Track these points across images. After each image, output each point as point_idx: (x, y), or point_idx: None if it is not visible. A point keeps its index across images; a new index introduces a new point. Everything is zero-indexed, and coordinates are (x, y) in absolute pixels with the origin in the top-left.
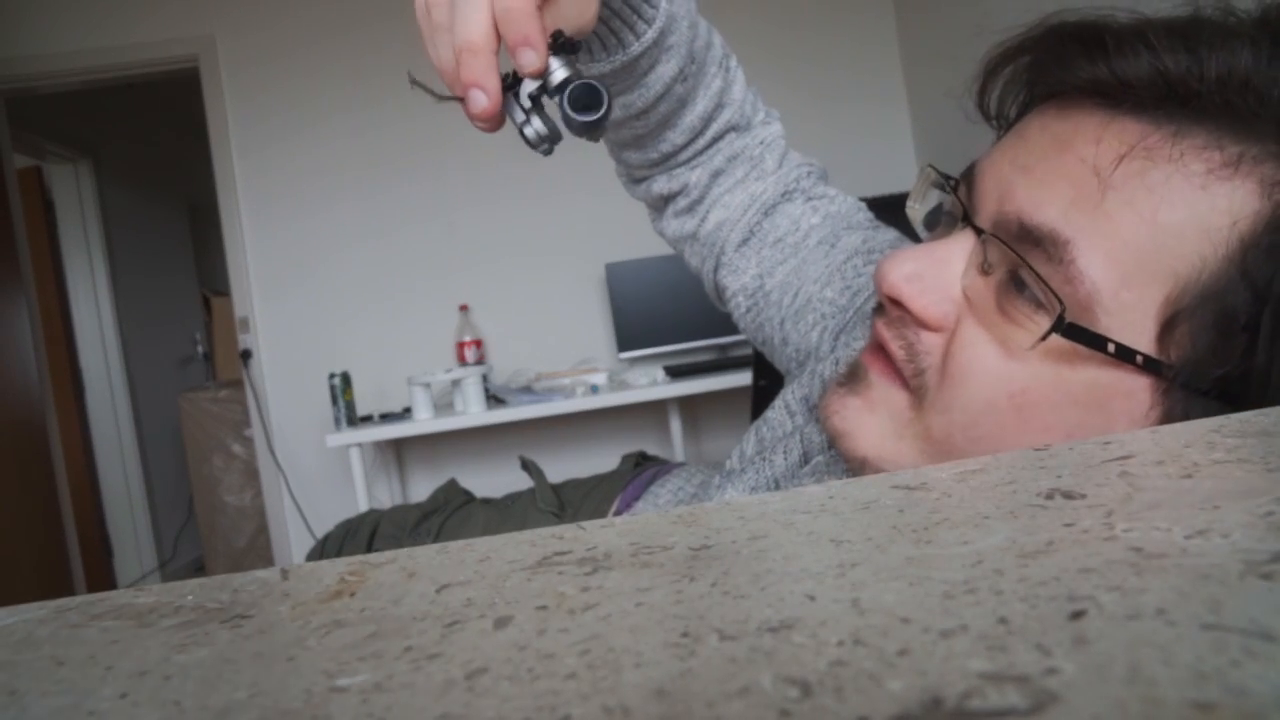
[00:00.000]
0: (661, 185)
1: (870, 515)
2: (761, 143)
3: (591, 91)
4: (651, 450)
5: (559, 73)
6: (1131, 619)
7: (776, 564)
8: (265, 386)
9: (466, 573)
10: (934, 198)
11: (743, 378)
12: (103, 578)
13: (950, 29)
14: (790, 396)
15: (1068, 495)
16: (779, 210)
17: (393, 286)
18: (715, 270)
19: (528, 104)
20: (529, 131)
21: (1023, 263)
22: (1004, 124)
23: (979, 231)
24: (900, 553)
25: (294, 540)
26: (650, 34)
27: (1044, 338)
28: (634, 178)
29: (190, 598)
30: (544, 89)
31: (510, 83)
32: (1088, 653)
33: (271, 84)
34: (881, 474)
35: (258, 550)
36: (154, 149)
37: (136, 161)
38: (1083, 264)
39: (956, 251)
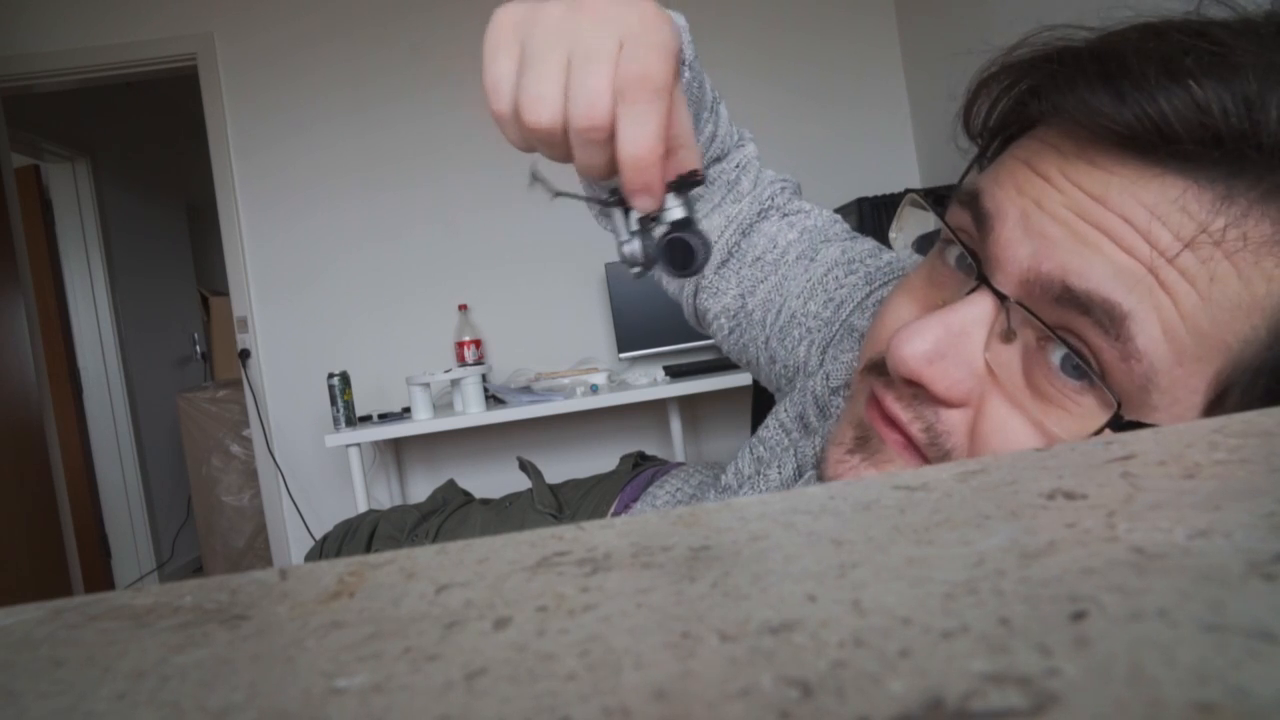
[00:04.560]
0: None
1: (871, 516)
2: (737, 165)
3: (689, 247)
4: (651, 450)
5: (674, 211)
6: (1133, 620)
7: (777, 564)
8: (264, 386)
9: (466, 573)
10: (916, 221)
11: (743, 378)
12: (101, 578)
13: (952, 31)
14: (784, 414)
15: (1069, 495)
16: (756, 229)
17: (392, 286)
18: (695, 295)
19: (635, 226)
20: (626, 250)
21: (1075, 344)
22: (994, 139)
23: (1002, 297)
24: (901, 553)
25: (293, 541)
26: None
27: (1097, 433)
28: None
29: (188, 598)
30: (655, 219)
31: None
32: (1089, 653)
33: (270, 83)
34: (882, 474)
35: (256, 551)
36: (152, 148)
37: (135, 161)
38: (1142, 342)
39: (975, 318)
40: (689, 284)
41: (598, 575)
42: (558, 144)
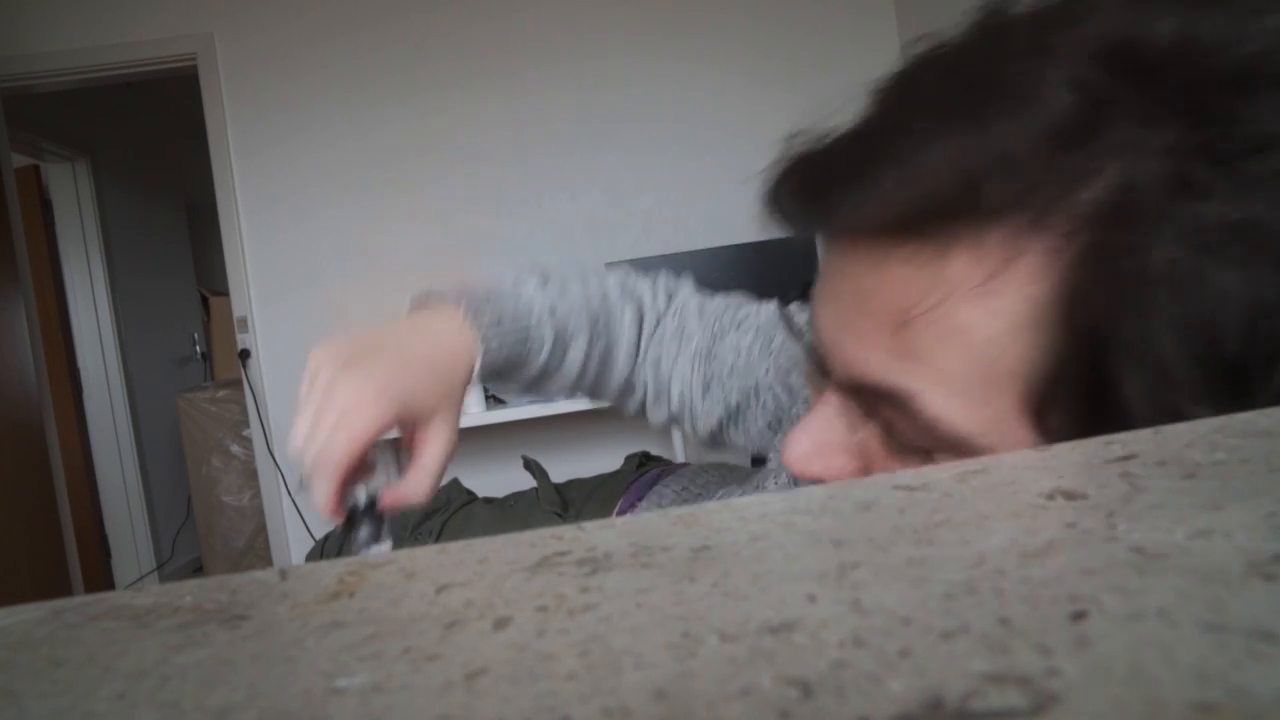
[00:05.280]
0: (629, 403)
1: (871, 516)
2: (676, 314)
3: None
4: (654, 451)
5: (364, 518)
6: (1133, 620)
7: (777, 564)
8: (264, 386)
9: (466, 573)
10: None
11: None
12: (101, 578)
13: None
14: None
15: (1069, 495)
16: (718, 350)
17: (392, 286)
18: (695, 426)
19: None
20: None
21: (891, 423)
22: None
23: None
24: (901, 553)
25: (292, 541)
26: (543, 355)
27: None
28: (612, 405)
29: (188, 598)
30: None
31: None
32: (1089, 653)
33: (270, 83)
34: (882, 474)
35: (256, 551)
36: (152, 148)
37: (135, 161)
38: (934, 411)
39: (835, 410)
40: (688, 421)
41: (598, 575)
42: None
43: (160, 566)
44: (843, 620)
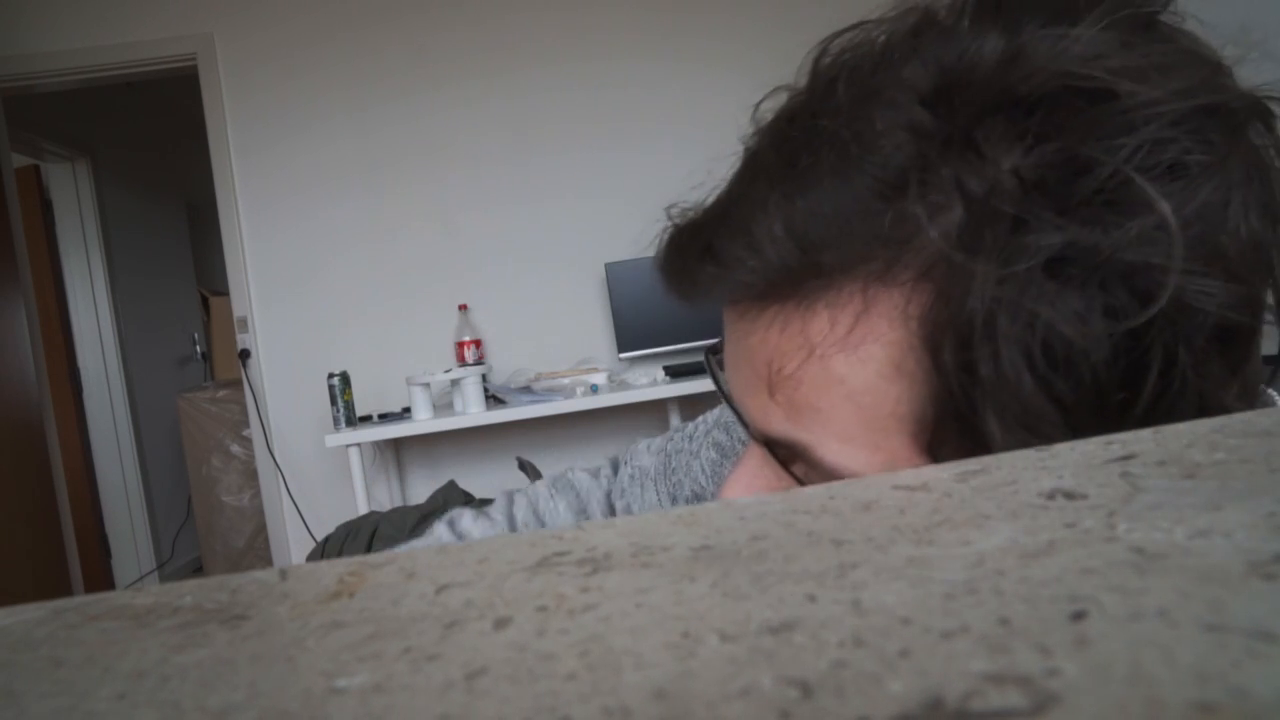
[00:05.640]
0: None
1: (871, 516)
2: (628, 464)
3: None
4: None
5: None
6: (1133, 620)
7: (777, 564)
8: (264, 386)
9: (466, 573)
10: None
11: None
12: (101, 578)
13: None
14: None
15: (1069, 495)
16: (674, 464)
17: (392, 286)
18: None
19: None
20: None
21: (805, 474)
22: None
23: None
24: (901, 553)
25: (292, 541)
26: None
27: None
28: None
29: (188, 598)
30: None
31: None
32: (1089, 653)
33: (270, 83)
34: (882, 474)
35: (256, 551)
36: (152, 148)
37: (135, 161)
38: (832, 460)
39: (757, 465)
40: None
41: (598, 575)
42: None
43: (160, 566)
44: (843, 620)
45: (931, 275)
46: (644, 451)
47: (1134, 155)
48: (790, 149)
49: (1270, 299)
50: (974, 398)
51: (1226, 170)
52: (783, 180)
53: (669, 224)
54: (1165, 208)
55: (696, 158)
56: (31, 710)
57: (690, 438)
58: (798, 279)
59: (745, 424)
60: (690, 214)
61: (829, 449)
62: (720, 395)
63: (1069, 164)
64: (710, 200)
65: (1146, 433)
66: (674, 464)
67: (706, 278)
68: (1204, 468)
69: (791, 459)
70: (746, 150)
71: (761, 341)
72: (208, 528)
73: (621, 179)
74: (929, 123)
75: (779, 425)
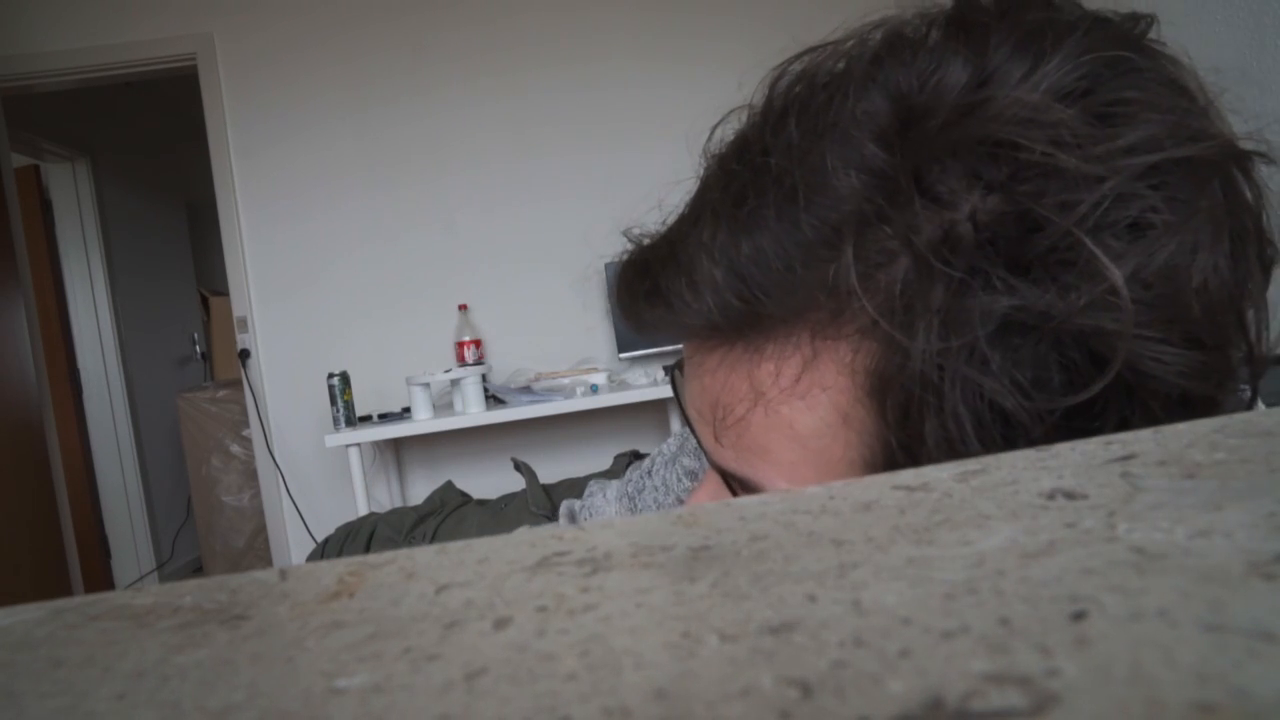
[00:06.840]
0: None
1: (871, 516)
2: (597, 494)
3: None
4: (644, 450)
5: None
6: (1133, 620)
7: (777, 565)
8: (264, 386)
9: (466, 573)
10: None
11: None
12: (101, 578)
13: None
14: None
15: (1069, 495)
16: (642, 488)
17: (392, 286)
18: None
19: None
20: None
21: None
22: None
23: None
24: (901, 553)
25: (292, 541)
26: None
27: None
28: None
29: (188, 598)
30: None
31: None
32: (1089, 654)
33: (270, 83)
34: (882, 474)
35: (256, 551)
36: (152, 148)
37: (135, 161)
38: None
39: (715, 490)
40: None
41: (598, 575)
42: None
43: (160, 566)
44: (843, 620)
45: (875, 334)
46: (601, 502)
47: (1093, 212)
48: (738, 187)
49: (1243, 355)
50: (919, 455)
51: (1192, 227)
52: (730, 219)
53: (625, 249)
54: (1116, 275)
55: (696, 159)
56: (31, 710)
57: (649, 473)
58: (739, 326)
59: (704, 449)
60: (645, 241)
61: (779, 489)
62: (681, 414)
63: (1023, 219)
64: (664, 229)
65: (1147, 433)
66: (639, 504)
67: (654, 318)
68: (1204, 468)
69: (745, 489)
70: (700, 180)
71: (712, 379)
72: (208, 528)
73: (621, 179)
74: (882, 162)
75: (731, 461)
